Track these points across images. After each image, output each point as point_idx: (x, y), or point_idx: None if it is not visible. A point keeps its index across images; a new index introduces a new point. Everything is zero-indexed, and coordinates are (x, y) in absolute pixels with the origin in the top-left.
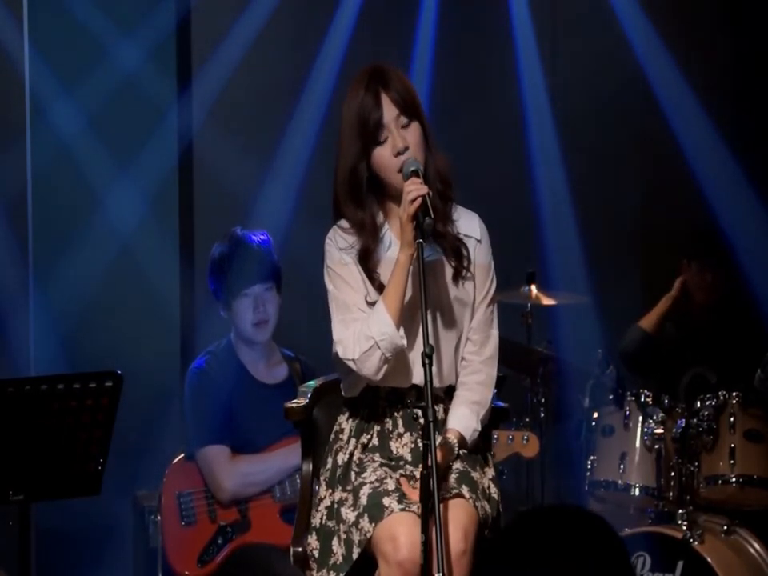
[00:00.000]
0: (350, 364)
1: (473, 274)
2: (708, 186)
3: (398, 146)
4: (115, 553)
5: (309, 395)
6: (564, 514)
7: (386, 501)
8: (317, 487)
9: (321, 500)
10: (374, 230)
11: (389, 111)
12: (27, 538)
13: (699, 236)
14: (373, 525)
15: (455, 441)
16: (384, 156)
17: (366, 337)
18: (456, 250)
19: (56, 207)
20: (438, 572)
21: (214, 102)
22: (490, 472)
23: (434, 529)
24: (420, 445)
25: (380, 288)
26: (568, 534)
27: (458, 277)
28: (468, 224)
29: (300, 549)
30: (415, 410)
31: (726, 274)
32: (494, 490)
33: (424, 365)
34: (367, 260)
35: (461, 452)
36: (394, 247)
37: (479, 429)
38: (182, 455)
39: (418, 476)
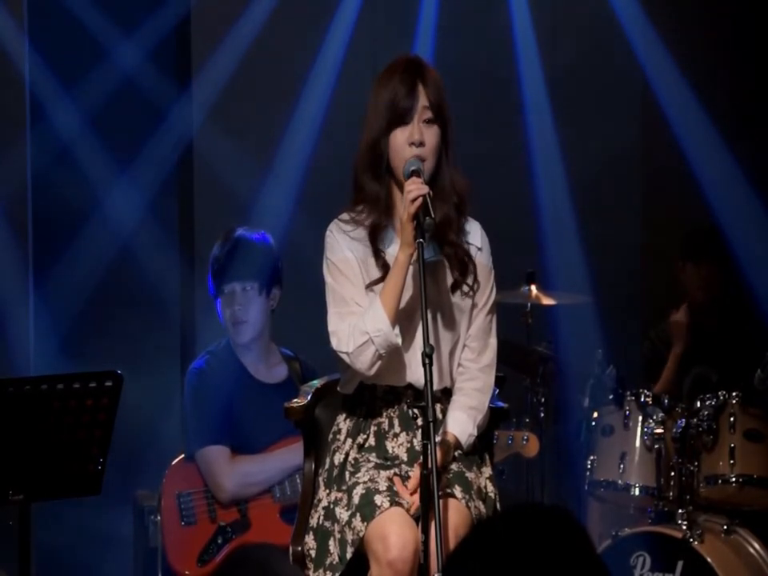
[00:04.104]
0: (344, 357)
1: (473, 292)
2: (708, 185)
3: (415, 137)
4: (115, 553)
5: (310, 395)
6: (523, 513)
7: (377, 499)
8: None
9: (319, 500)
10: (387, 208)
11: (420, 101)
12: (27, 538)
13: (690, 236)
14: (365, 524)
15: (451, 443)
16: (400, 140)
17: (361, 331)
18: (462, 263)
19: (56, 207)
20: (438, 572)
21: (213, 102)
22: (488, 471)
23: (432, 529)
24: (416, 444)
25: (383, 266)
26: (530, 532)
27: (456, 288)
28: (470, 231)
29: (299, 548)
30: (414, 410)
31: (722, 269)
32: (490, 489)
33: (424, 364)
34: (376, 235)
35: (456, 453)
36: (395, 245)
37: (476, 434)
38: (182, 455)
39: (412, 476)
